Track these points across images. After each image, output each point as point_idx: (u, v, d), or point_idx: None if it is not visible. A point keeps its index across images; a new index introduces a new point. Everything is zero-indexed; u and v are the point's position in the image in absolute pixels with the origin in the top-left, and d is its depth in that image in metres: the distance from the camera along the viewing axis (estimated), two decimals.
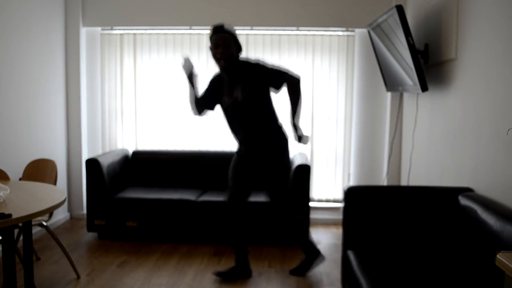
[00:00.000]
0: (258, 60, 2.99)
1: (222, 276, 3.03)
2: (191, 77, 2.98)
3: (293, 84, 2.88)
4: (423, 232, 2.49)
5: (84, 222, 4.41)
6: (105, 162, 3.88)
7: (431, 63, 3.29)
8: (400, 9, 2.97)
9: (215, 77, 3.09)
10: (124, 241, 3.86)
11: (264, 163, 2.98)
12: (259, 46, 4.40)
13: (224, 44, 2.82)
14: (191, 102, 3.07)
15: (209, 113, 3.25)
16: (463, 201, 2.37)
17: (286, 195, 3.05)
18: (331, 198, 4.55)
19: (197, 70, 3.04)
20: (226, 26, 2.86)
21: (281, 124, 3.04)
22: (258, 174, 3.02)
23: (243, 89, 2.89)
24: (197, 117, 3.17)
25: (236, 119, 2.98)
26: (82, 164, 4.51)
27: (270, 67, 2.92)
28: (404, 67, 3.24)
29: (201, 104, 3.07)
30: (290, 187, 3.05)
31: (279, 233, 3.74)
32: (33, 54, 3.88)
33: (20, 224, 2.67)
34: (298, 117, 2.90)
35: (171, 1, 4.36)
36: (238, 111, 2.94)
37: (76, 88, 4.47)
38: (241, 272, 3.05)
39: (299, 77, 2.90)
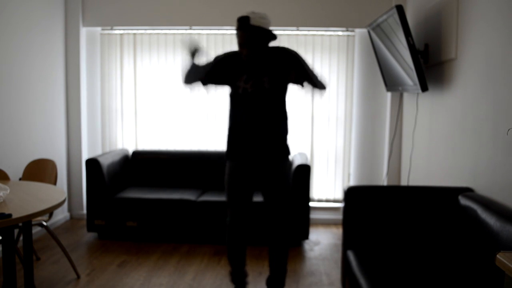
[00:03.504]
0: (288, 48, 2.61)
1: None
2: (194, 53, 2.55)
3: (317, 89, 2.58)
4: (423, 232, 2.49)
5: (84, 222, 4.41)
6: (105, 162, 3.88)
7: (431, 63, 3.29)
8: (400, 9, 2.97)
9: (229, 55, 2.62)
10: (124, 241, 3.86)
11: (272, 169, 2.59)
12: None
13: (249, 43, 2.42)
14: (187, 72, 2.58)
15: (199, 89, 2.70)
16: (463, 201, 2.37)
17: (288, 205, 2.68)
18: (331, 198, 4.55)
19: (201, 45, 2.56)
20: (253, 20, 2.39)
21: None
22: (261, 181, 2.62)
23: (271, 76, 2.51)
24: (186, 88, 2.65)
25: (254, 110, 2.53)
26: (82, 164, 4.51)
27: (305, 62, 2.55)
28: (404, 67, 3.24)
29: (199, 76, 2.58)
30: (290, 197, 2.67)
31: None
32: (33, 54, 3.88)
33: (20, 224, 2.67)
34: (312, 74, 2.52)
35: (171, 1, 4.36)
36: (260, 100, 2.52)
37: (76, 88, 4.47)
38: None
39: (325, 86, 2.60)
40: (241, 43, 2.45)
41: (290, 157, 3.87)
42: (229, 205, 2.66)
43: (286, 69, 2.52)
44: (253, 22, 2.40)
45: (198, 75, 2.58)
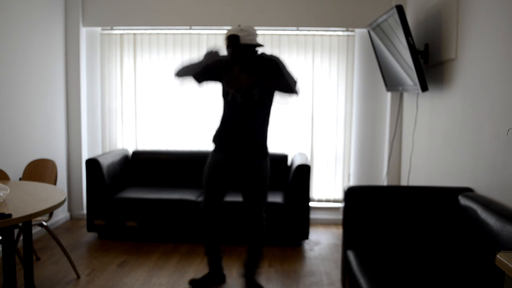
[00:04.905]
0: (277, 57, 2.68)
1: (195, 285, 2.93)
2: (211, 59, 2.58)
3: (291, 81, 2.62)
4: (423, 232, 2.49)
5: (84, 222, 4.41)
6: (105, 162, 3.88)
7: (431, 63, 3.29)
8: (400, 9, 2.97)
9: (222, 59, 2.69)
10: (124, 241, 3.86)
11: (251, 169, 2.76)
12: None
13: (240, 61, 2.56)
14: (187, 68, 2.69)
15: (189, 83, 2.82)
16: (463, 201, 2.37)
17: (264, 203, 2.84)
18: (331, 198, 4.55)
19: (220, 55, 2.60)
20: (242, 39, 2.49)
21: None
22: (240, 180, 2.79)
23: (261, 89, 2.65)
24: (177, 80, 2.78)
25: (242, 116, 2.68)
26: (82, 164, 4.51)
27: (285, 71, 2.64)
28: (404, 67, 3.24)
29: (193, 72, 2.70)
30: (267, 196, 2.87)
31: (279, 233, 3.75)
32: (33, 54, 3.88)
33: (20, 224, 2.67)
34: (267, 80, 2.59)
35: (171, 1, 4.36)
36: (248, 109, 2.66)
37: (76, 88, 4.47)
38: (215, 279, 2.97)
39: (297, 90, 2.65)
40: (232, 60, 2.58)
41: (290, 157, 3.91)
42: (204, 190, 2.85)
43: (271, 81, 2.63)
44: (243, 41, 2.51)
45: (193, 70, 2.69)
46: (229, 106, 2.74)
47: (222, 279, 3.00)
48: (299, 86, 2.69)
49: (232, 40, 2.49)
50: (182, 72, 2.72)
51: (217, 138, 2.82)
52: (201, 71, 2.70)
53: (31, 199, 2.36)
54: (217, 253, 2.96)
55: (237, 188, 2.87)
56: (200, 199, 2.86)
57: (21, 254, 2.85)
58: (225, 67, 2.69)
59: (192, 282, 2.94)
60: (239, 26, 2.54)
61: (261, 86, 2.63)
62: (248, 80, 2.55)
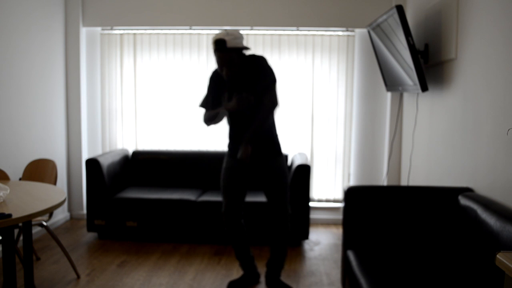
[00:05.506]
0: (263, 58, 2.71)
1: (234, 286, 2.92)
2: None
3: (268, 105, 2.66)
4: (423, 232, 2.50)
5: (84, 222, 4.41)
6: (105, 162, 3.88)
7: (431, 63, 3.29)
8: (400, 9, 2.97)
9: (214, 74, 2.83)
10: (124, 241, 3.86)
11: (268, 167, 2.78)
12: (259, 46, 4.40)
13: (228, 64, 2.60)
14: (211, 118, 2.80)
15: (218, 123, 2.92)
16: (463, 201, 2.37)
17: (287, 198, 2.85)
18: (331, 198, 4.55)
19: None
20: (229, 43, 2.55)
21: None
22: (260, 180, 2.83)
23: (254, 90, 2.66)
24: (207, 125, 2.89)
25: (245, 122, 2.72)
26: (82, 164, 4.51)
27: (270, 69, 2.68)
28: (404, 67, 3.24)
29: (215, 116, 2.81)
30: (289, 191, 2.87)
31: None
32: (33, 54, 3.88)
33: (20, 224, 2.67)
34: (251, 134, 2.64)
35: (171, 1, 4.36)
36: (246, 114, 2.71)
37: (76, 88, 4.47)
38: (251, 279, 2.99)
39: (276, 104, 2.68)
40: (220, 64, 2.62)
41: (290, 157, 3.89)
42: (223, 195, 2.87)
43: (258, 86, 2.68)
44: (229, 44, 2.56)
45: (216, 118, 2.81)
46: (230, 114, 2.79)
47: (257, 278, 3.02)
48: (277, 86, 2.70)
49: (219, 44, 2.57)
50: (208, 121, 2.82)
51: (229, 144, 2.87)
52: (210, 100, 2.81)
53: (31, 199, 2.36)
54: (247, 254, 2.96)
55: (259, 188, 2.89)
56: (220, 201, 2.94)
57: (21, 254, 2.86)
58: (217, 80, 2.78)
59: (231, 284, 2.93)
60: (225, 30, 2.62)
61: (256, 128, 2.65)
62: (242, 102, 2.61)
